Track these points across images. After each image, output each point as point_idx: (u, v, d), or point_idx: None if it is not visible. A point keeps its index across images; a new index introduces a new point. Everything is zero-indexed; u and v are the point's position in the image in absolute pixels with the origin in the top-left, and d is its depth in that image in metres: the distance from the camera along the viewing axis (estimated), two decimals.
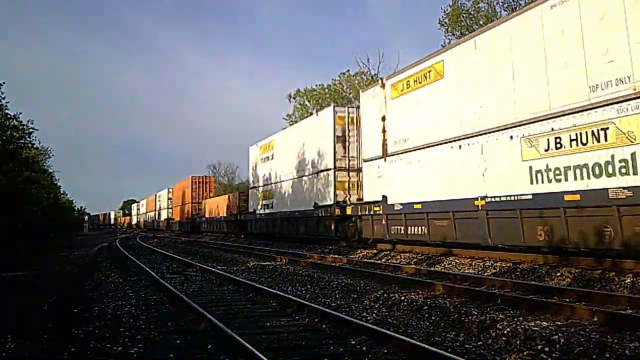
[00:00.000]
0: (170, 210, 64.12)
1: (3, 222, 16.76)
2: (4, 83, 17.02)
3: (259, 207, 29.28)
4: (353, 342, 5.60)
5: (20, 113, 17.99)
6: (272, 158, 27.82)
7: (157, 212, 72.38)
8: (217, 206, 42.48)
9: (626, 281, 8.67)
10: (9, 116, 17.46)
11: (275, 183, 26.88)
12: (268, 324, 6.69)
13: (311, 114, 44.87)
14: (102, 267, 15.40)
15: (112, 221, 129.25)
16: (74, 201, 63.31)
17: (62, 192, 46.33)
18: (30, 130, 18.38)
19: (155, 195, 73.96)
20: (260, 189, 29.28)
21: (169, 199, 65.10)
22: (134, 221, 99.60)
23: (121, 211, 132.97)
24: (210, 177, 54.13)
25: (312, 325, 6.55)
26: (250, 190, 31.75)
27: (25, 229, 20.51)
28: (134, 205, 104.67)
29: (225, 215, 38.50)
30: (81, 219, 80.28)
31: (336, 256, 15.94)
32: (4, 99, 17.18)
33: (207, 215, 45.04)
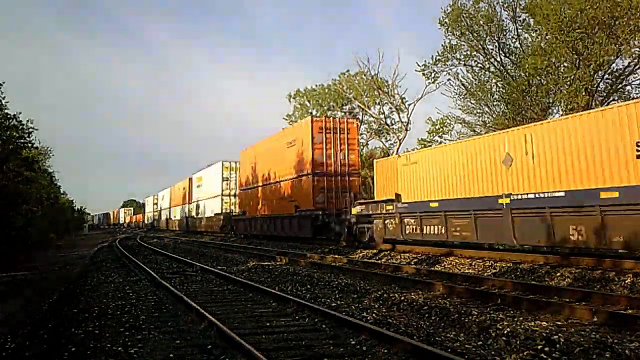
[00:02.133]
0: (228, 198, 38.09)
1: (3, 222, 16.75)
2: (3, 83, 17.03)
3: None
4: (353, 342, 5.60)
5: (20, 113, 17.98)
6: None
7: (190, 206, 48.55)
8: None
9: (626, 281, 8.67)
10: (8, 116, 17.44)
11: None
12: (268, 324, 6.69)
13: (311, 114, 44.83)
14: (102, 267, 15.39)
15: (122, 220, 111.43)
16: (73, 201, 63.03)
17: (62, 192, 46.40)
18: (30, 130, 18.36)
19: (190, 180, 49.32)
20: None
21: (224, 179, 38.34)
22: (149, 219, 77.76)
23: (131, 208, 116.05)
24: (351, 120, 25.14)
25: (312, 325, 6.55)
26: None
27: (25, 229, 20.47)
28: (149, 199, 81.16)
29: None
30: (81, 218, 79.49)
31: (336, 256, 15.93)
32: (4, 98, 17.19)
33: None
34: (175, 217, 56.20)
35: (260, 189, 29.49)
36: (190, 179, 48.93)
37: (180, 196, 53.15)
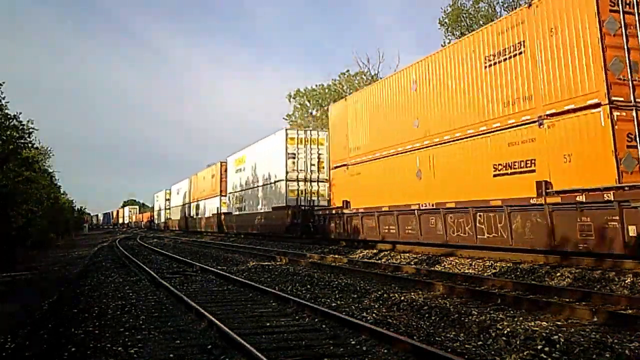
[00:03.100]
0: (295, 184, 25.73)
1: (3, 222, 16.76)
2: (3, 83, 17.01)
3: None
4: (353, 342, 5.60)
5: (20, 113, 17.97)
6: None
7: (224, 199, 36.71)
8: None
9: (626, 281, 8.66)
10: (8, 116, 17.43)
11: None
12: (268, 324, 6.69)
13: (311, 114, 44.88)
14: (102, 267, 15.40)
15: (127, 220, 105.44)
16: (73, 201, 62.90)
17: (62, 192, 46.40)
18: (30, 130, 18.34)
19: (222, 164, 37.76)
20: None
21: (289, 156, 25.67)
22: (160, 218, 67.40)
23: (136, 207, 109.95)
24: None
25: (312, 325, 6.55)
26: None
27: (25, 229, 20.48)
28: (160, 194, 68.39)
29: None
30: (83, 218, 79.37)
31: (336, 256, 15.93)
32: (4, 98, 17.17)
33: None
34: (199, 214, 43.03)
35: (396, 157, 16.48)
36: (224, 163, 37.02)
37: (208, 187, 40.71)
